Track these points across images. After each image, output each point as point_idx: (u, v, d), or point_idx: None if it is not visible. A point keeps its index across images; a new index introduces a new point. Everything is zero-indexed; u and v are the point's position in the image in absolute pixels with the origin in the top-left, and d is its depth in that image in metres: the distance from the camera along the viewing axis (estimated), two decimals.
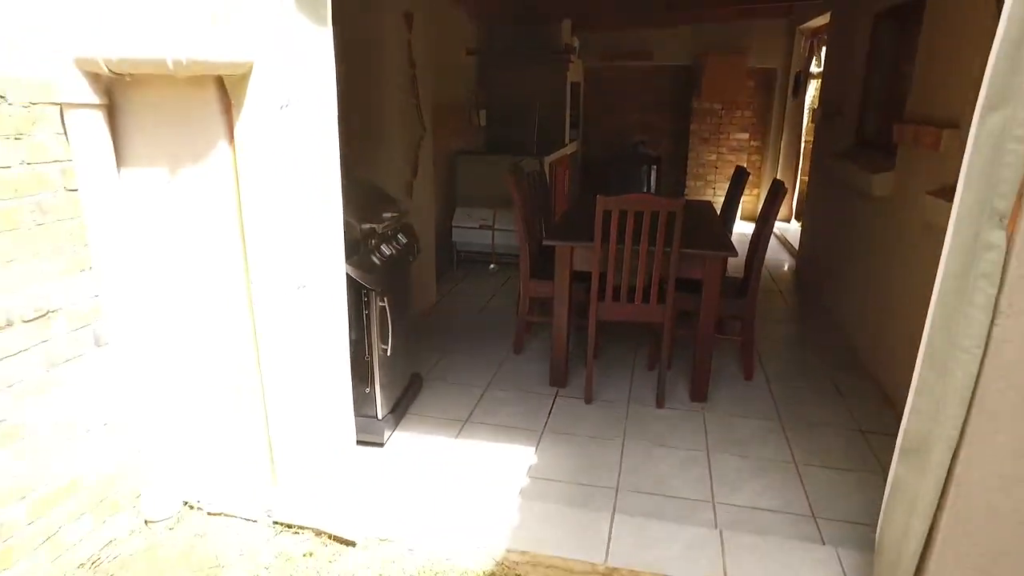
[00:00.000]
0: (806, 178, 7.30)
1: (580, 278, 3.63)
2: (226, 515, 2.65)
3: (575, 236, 3.61)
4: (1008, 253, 1.64)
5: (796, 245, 6.67)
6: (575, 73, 7.69)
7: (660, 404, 3.55)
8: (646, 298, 3.43)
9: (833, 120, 5.37)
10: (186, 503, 2.70)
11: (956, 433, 1.79)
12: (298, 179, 2.17)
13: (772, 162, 8.41)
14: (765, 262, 4.01)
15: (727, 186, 5.31)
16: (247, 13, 2.01)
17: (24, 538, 2.12)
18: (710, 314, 3.48)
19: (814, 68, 7.44)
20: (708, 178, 8.77)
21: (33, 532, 2.15)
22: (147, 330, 2.44)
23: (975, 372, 1.73)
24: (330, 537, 2.53)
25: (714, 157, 8.69)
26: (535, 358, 4.12)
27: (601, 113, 8.80)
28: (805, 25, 7.23)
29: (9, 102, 1.98)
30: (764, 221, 3.80)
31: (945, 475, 1.84)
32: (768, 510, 2.70)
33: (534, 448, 3.13)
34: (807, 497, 2.78)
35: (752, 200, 8.48)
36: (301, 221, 2.22)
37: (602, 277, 3.40)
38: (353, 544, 2.49)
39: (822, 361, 4.15)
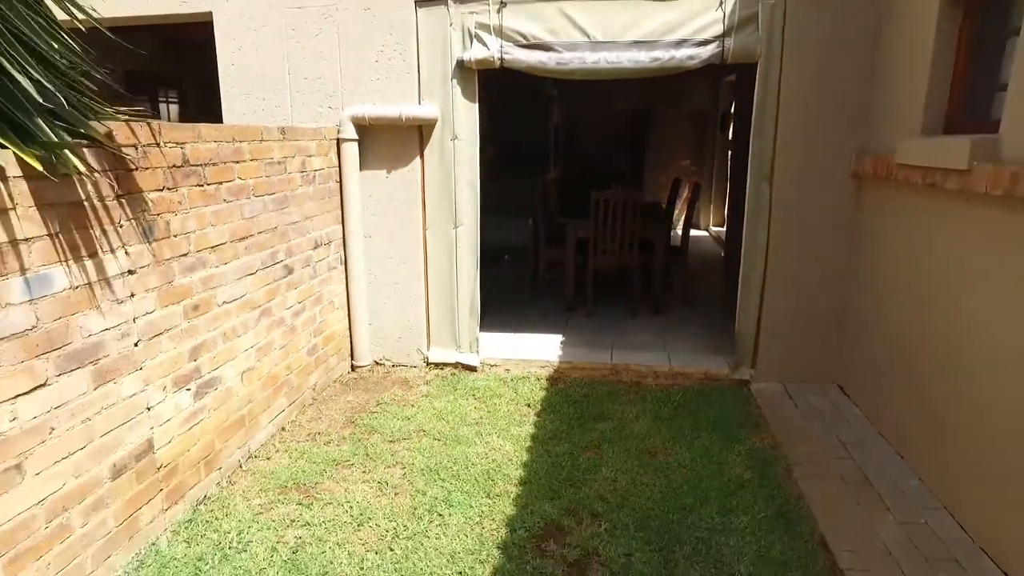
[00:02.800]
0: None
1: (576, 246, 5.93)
2: (400, 366, 4.80)
3: (575, 217, 5.91)
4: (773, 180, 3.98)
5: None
6: (556, 116, 10.11)
7: (635, 315, 5.83)
8: (622, 251, 5.74)
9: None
10: (376, 361, 4.84)
11: (764, 247, 4.10)
12: (456, 175, 4.41)
13: (707, 181, 10.91)
14: (706, 254, 6.38)
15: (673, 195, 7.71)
16: (436, 96, 4.27)
17: (311, 363, 4.28)
18: (661, 256, 5.81)
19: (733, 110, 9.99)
20: (660, 195, 11.22)
21: (315, 359, 4.30)
22: (366, 255, 4.61)
23: (767, 232, 4.05)
24: (461, 367, 4.70)
25: (663, 179, 11.15)
26: (549, 302, 6.35)
27: (574, 145, 11.20)
28: (726, 79, 9.79)
29: (321, 139, 4.20)
30: (691, 207, 6.18)
31: (763, 270, 4.15)
32: (693, 347, 4.96)
33: (561, 333, 5.35)
34: (711, 341, 5.05)
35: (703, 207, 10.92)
36: (457, 193, 4.44)
37: (595, 241, 5.70)
38: (475, 369, 4.68)
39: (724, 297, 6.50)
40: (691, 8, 3.96)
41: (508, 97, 9.38)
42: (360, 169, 4.47)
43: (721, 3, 3.93)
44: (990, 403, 2.68)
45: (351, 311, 4.66)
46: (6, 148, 2.02)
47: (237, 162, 3.29)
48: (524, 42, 4.11)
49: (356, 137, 4.37)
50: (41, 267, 2.18)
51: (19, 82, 2.07)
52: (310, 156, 4.06)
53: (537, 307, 6.19)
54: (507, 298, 6.49)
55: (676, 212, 7.08)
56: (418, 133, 4.39)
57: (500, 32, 4.11)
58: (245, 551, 2.75)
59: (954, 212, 3.00)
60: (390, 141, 4.43)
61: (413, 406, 4.16)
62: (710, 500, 3.12)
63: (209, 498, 3.13)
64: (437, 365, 4.77)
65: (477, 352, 4.74)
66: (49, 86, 2.14)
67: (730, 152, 8.78)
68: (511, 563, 2.68)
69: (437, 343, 4.77)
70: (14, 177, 2.07)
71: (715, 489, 3.22)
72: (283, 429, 3.84)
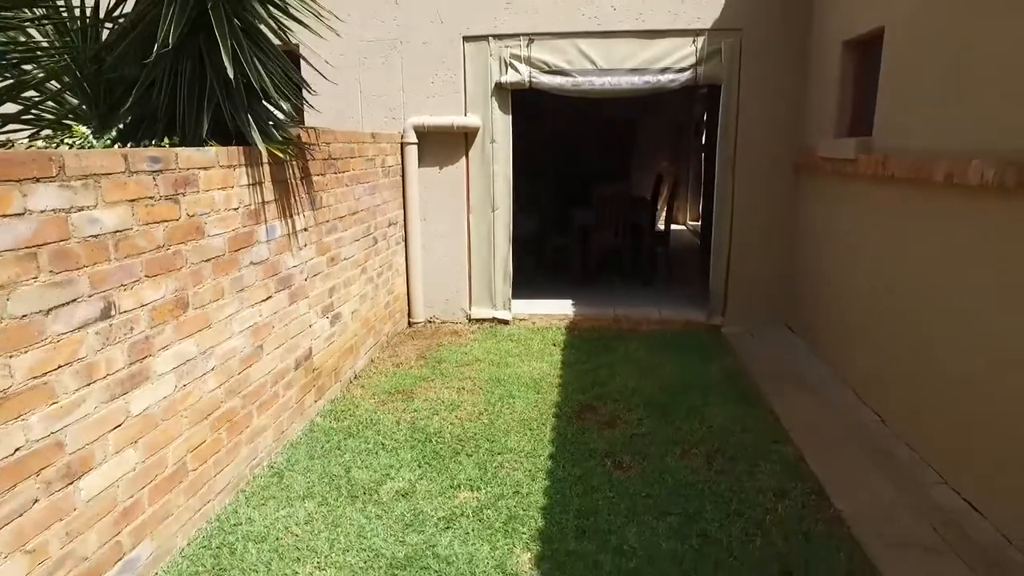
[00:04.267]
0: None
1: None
2: (448, 322, 6.07)
3: (577, 208, 7.25)
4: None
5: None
6: (550, 124, 11.43)
7: (628, 285, 7.17)
8: (616, 234, 7.08)
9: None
10: (427, 320, 6.11)
11: (729, 222, 5.46)
12: (494, 170, 5.71)
13: (684, 181, 12.33)
14: (685, 244, 7.74)
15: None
16: (479, 109, 5.58)
17: (386, 315, 5.54)
18: (649, 235, 7.17)
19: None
20: (645, 193, 12.60)
21: (388, 312, 5.56)
22: (422, 233, 5.89)
23: (731, 210, 5.40)
24: (497, 321, 5.99)
25: (647, 179, 12.55)
26: (558, 278, 7.66)
27: (571, 149, 12.53)
28: (700, 93, 11.23)
29: (393, 142, 5.48)
30: (671, 199, 7.56)
31: (728, 240, 5.51)
32: (676, 304, 6.30)
33: (571, 298, 6.66)
34: (691, 300, 6.39)
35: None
36: (495, 184, 5.74)
37: (596, 226, 7.04)
38: (507, 323, 5.97)
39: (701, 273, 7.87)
40: (672, 45, 5.33)
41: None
42: (419, 166, 5.74)
43: (694, 41, 5.31)
44: (875, 314, 4.04)
45: (410, 277, 5.92)
46: (259, 145, 3.28)
47: (351, 158, 4.56)
48: (547, 69, 5.44)
49: (416, 141, 5.65)
50: (272, 220, 3.44)
51: (264, 103, 3.33)
52: (387, 155, 5.33)
53: (550, 282, 7.51)
54: (524, 276, 7.79)
55: (660, 203, 8.45)
56: (464, 138, 5.69)
57: (529, 62, 5.44)
58: (378, 424, 4.01)
59: (846, 187, 4.40)
60: (442, 144, 5.71)
61: (466, 346, 5.44)
62: (694, 390, 4.46)
63: (338, 399, 4.38)
64: (478, 320, 6.04)
65: (509, 310, 6.03)
66: (285, 104, 3.41)
67: (703, 155, 10.20)
68: (563, 423, 3.97)
69: (477, 303, 6.04)
70: (264, 163, 3.33)
71: (697, 385, 4.55)
72: (372, 361, 5.09)
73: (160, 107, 3.14)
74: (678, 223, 12.11)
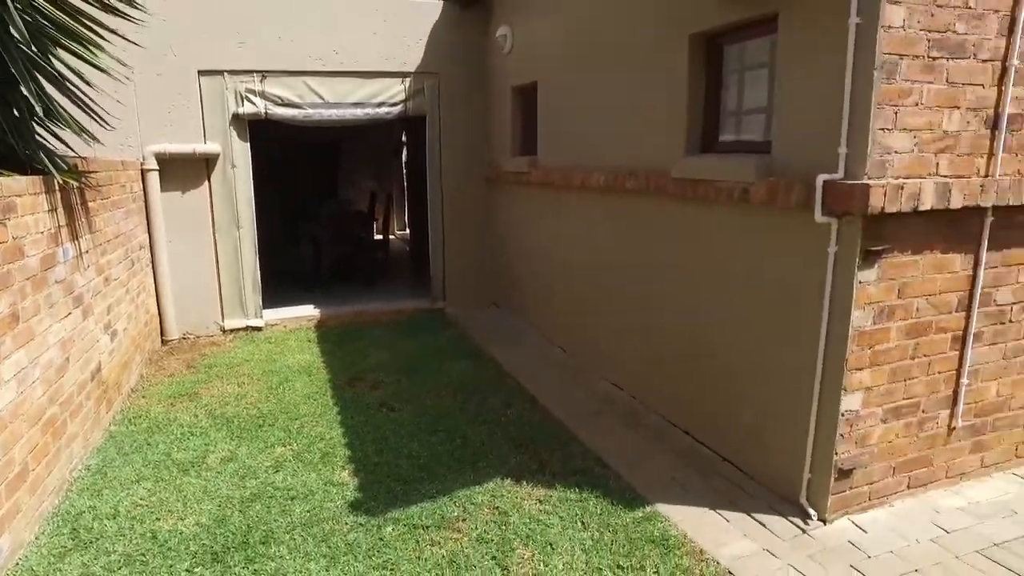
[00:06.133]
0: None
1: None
2: (203, 336, 6.47)
3: (303, 223, 8.09)
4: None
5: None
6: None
7: (358, 287, 8.23)
8: (343, 244, 8.10)
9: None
10: (182, 336, 6.42)
11: (441, 226, 6.90)
12: (236, 192, 6.31)
13: (396, 197, 13.71)
14: (397, 251, 8.99)
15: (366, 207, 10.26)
16: (218, 137, 6.15)
17: (146, 333, 5.85)
18: (369, 244, 8.32)
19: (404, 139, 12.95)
20: (362, 208, 13.66)
21: (148, 331, 5.86)
22: (169, 253, 6.21)
23: (442, 216, 6.85)
24: (251, 329, 6.59)
25: (353, 194, 13.65)
26: (297, 285, 8.37)
27: (283, 170, 13.00)
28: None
29: (137, 169, 5.78)
30: (387, 214, 8.83)
31: (443, 240, 6.95)
32: (402, 296, 7.56)
33: (314, 303, 7.47)
34: (412, 291, 7.72)
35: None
36: (238, 205, 6.34)
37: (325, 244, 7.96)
38: (261, 329, 6.61)
39: (414, 272, 9.31)
40: (386, 84, 6.58)
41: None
42: (162, 191, 6.07)
43: (403, 81, 6.63)
44: (548, 281, 5.80)
45: (160, 297, 6.19)
46: (56, 175, 3.66)
47: (111, 185, 4.89)
48: (281, 102, 6.26)
49: (157, 167, 5.99)
50: (66, 243, 3.82)
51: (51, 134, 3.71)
52: (133, 182, 5.63)
53: (290, 289, 8.18)
54: (267, 286, 8.32)
55: (377, 216, 9.64)
56: (205, 163, 6.19)
57: (264, 95, 6.20)
58: (176, 420, 4.51)
59: (524, 192, 6.16)
60: (185, 169, 6.13)
61: (230, 352, 5.98)
62: (433, 356, 5.77)
63: (126, 409, 4.70)
64: (232, 330, 6.56)
65: (261, 317, 6.66)
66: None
67: (406, 173, 11.68)
68: (339, 392, 4.95)
69: (230, 315, 6.55)
70: (56, 191, 3.71)
71: (435, 352, 5.88)
72: (143, 376, 5.38)
73: None
74: (392, 234, 13.47)
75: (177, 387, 5.11)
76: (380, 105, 6.62)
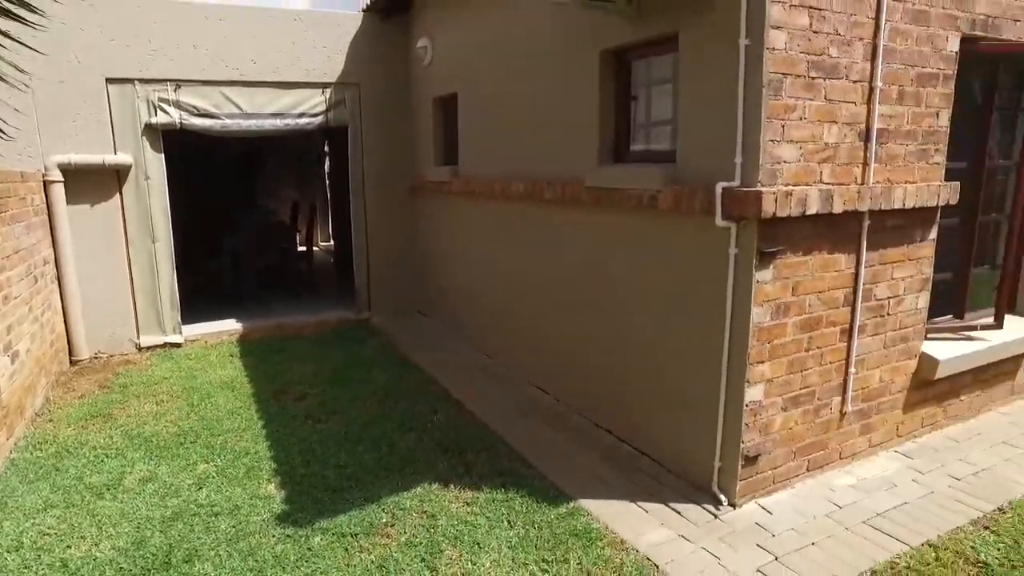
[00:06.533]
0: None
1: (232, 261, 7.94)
2: (117, 355, 6.21)
3: (223, 235, 7.91)
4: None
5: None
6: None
7: (282, 298, 8.09)
8: (265, 256, 7.96)
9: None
10: (93, 355, 6.15)
11: (365, 237, 6.90)
12: (151, 204, 6.11)
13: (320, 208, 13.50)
14: (322, 261, 8.89)
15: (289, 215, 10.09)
16: (129, 147, 5.94)
17: (52, 353, 5.58)
18: (294, 258, 8.20)
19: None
20: (284, 218, 13.38)
21: (54, 351, 5.59)
22: (77, 269, 5.94)
23: (365, 228, 6.85)
24: (169, 345, 6.38)
25: (274, 204, 13.37)
26: (216, 299, 8.14)
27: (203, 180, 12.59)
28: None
29: (37, 180, 5.52)
30: (310, 224, 8.73)
31: (366, 251, 6.95)
32: (327, 307, 7.49)
33: (234, 317, 7.30)
34: (337, 302, 7.67)
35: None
36: (153, 217, 6.14)
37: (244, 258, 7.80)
38: (180, 345, 6.41)
39: (338, 281, 9.23)
40: (306, 94, 6.53)
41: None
42: (68, 204, 5.81)
43: (323, 91, 6.60)
44: (475, 292, 5.91)
45: (68, 315, 5.91)
46: None
47: (9, 197, 4.66)
48: (197, 112, 6.12)
49: (62, 179, 5.73)
50: None
51: None
52: (34, 194, 5.37)
53: (209, 303, 7.95)
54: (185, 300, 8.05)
55: (300, 227, 9.50)
56: (116, 175, 5.97)
57: (178, 105, 6.04)
58: (88, 443, 4.33)
59: (447, 201, 6.25)
60: (93, 181, 5.89)
61: (147, 370, 5.78)
62: (359, 366, 5.76)
63: (30, 435, 4.48)
64: (149, 348, 6.32)
65: (180, 333, 6.46)
66: None
67: (329, 183, 11.55)
68: (264, 406, 4.88)
69: (146, 331, 6.32)
70: None
71: (361, 362, 5.87)
72: (49, 399, 5.12)
73: None
74: (316, 245, 13.24)
75: (89, 408, 4.91)
76: (301, 116, 6.56)
